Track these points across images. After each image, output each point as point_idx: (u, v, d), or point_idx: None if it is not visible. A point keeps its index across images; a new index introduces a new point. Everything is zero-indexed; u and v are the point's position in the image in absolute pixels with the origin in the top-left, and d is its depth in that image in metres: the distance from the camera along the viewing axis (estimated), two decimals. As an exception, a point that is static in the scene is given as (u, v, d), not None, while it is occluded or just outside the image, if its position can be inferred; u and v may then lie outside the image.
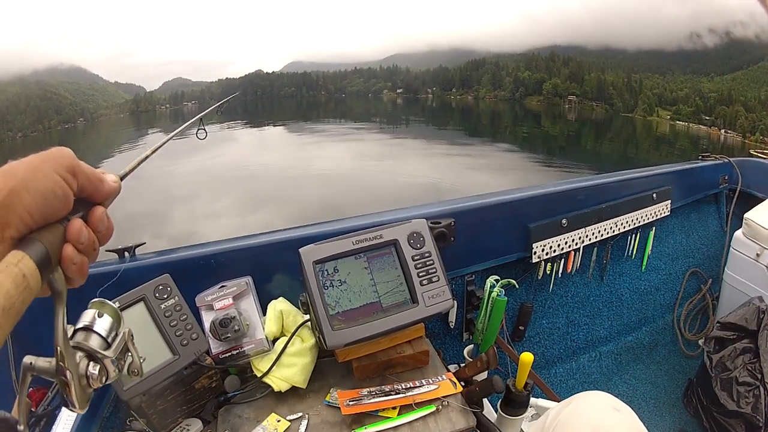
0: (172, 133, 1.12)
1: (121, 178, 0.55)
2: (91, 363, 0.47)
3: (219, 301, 1.23)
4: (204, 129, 1.79)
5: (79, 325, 0.49)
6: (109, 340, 0.49)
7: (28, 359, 0.45)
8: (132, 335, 0.53)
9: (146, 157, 0.73)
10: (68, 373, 0.45)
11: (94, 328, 0.49)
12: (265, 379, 1.16)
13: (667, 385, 2.12)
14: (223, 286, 1.27)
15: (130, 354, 0.52)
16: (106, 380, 0.48)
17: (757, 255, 1.94)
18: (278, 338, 1.22)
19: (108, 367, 0.48)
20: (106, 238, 0.50)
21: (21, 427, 0.44)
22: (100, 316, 0.50)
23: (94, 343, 0.48)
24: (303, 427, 1.07)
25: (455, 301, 1.63)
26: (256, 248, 1.39)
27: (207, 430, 1.15)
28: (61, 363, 0.45)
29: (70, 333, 0.47)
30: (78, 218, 0.47)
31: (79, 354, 0.47)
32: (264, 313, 1.25)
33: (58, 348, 0.45)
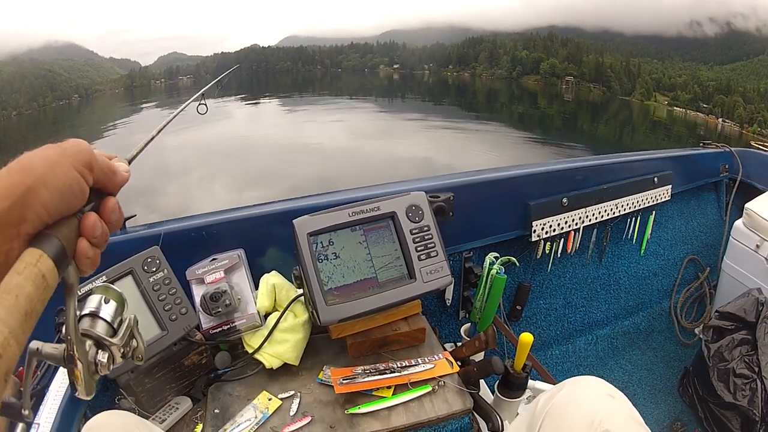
0: (176, 112, 1.12)
1: (129, 162, 0.55)
2: (100, 350, 0.48)
3: (210, 274, 1.19)
4: (205, 104, 1.79)
5: (86, 311, 0.49)
6: (115, 325, 0.50)
7: (34, 344, 0.44)
8: (137, 321, 0.53)
9: (152, 139, 0.73)
10: (78, 362, 0.45)
11: (101, 314, 0.49)
12: (257, 356, 1.13)
13: (663, 372, 2.11)
14: (214, 259, 1.23)
15: (135, 340, 0.52)
16: (112, 366, 0.49)
17: (757, 246, 1.91)
18: (270, 313, 1.19)
19: (115, 354, 0.49)
20: (116, 227, 0.50)
21: (26, 412, 0.44)
22: (106, 302, 0.50)
23: (101, 329, 0.48)
24: (295, 406, 1.04)
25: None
26: (249, 220, 1.35)
27: (197, 409, 1.12)
28: (71, 352, 0.45)
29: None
30: (92, 212, 0.46)
31: (89, 342, 0.47)
32: (256, 287, 1.22)
33: (69, 337, 0.45)
